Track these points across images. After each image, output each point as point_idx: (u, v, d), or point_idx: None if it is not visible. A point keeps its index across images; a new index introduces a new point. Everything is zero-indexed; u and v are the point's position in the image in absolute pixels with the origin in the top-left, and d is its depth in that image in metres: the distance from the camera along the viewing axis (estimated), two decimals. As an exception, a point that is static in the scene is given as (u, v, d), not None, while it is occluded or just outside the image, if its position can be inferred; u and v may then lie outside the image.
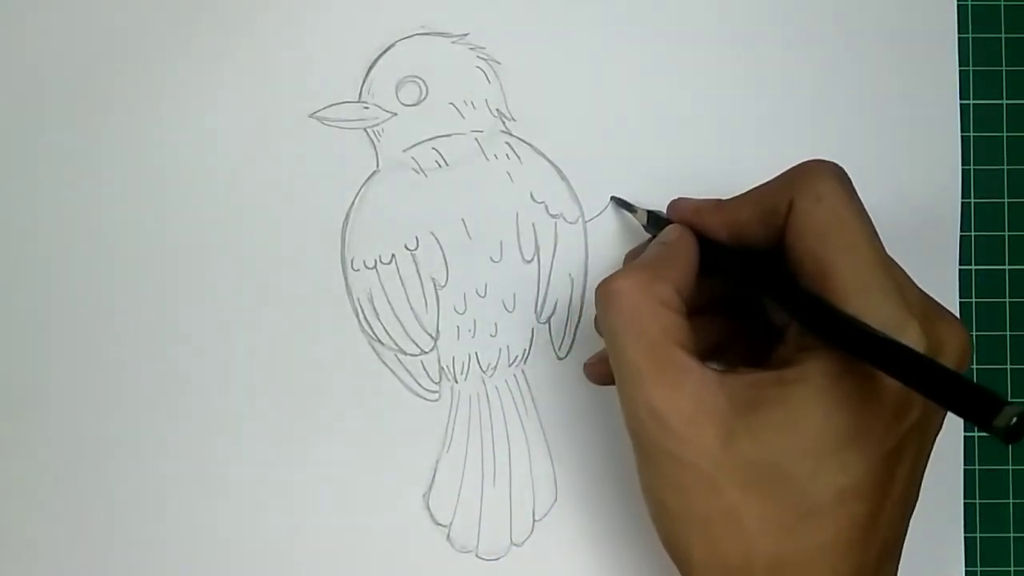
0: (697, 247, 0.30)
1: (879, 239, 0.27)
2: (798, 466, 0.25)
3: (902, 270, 0.27)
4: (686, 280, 0.28)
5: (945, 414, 0.26)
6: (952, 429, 0.36)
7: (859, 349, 0.24)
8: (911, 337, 0.25)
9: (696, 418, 0.25)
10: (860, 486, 0.25)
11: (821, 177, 0.27)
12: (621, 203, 0.36)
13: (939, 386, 0.22)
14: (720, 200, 0.30)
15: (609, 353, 0.27)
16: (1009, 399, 0.37)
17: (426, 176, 0.37)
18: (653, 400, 0.25)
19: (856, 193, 0.27)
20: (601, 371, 0.32)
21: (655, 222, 0.34)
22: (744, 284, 0.30)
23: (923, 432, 0.26)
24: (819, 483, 0.24)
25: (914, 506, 0.27)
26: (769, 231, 0.28)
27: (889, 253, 0.27)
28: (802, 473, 0.24)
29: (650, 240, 0.32)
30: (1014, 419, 0.20)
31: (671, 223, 0.31)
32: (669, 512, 0.26)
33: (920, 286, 0.27)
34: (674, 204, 0.32)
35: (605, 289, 0.27)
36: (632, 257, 0.34)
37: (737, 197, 0.30)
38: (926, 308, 0.26)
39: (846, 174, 0.28)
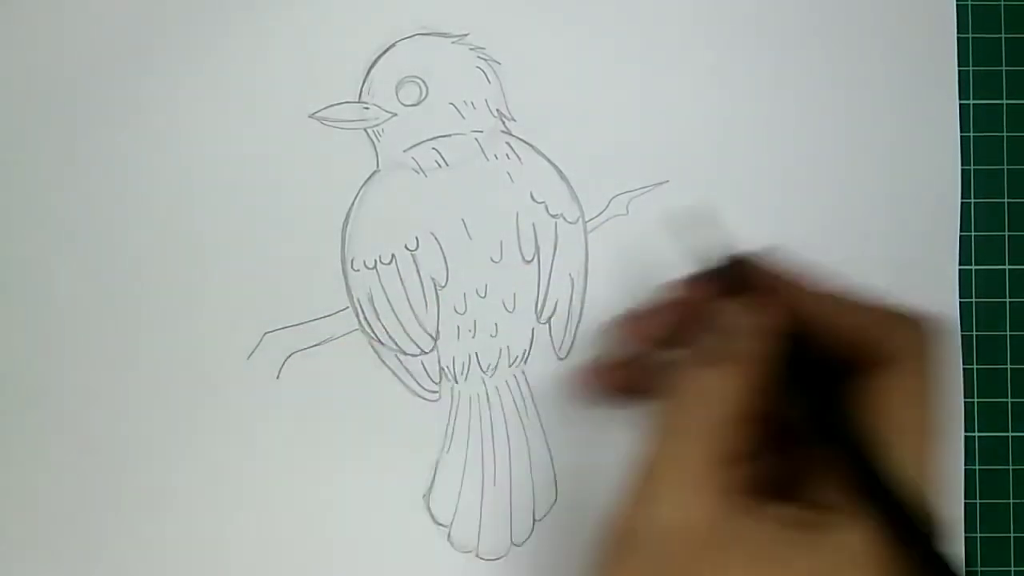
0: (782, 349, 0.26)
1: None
2: None
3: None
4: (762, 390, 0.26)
5: None
6: (952, 429, 0.37)
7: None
8: None
9: (719, 545, 0.24)
10: None
11: (928, 351, 0.25)
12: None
13: None
14: (830, 296, 0.26)
15: (653, 435, 0.25)
16: (1009, 399, 0.37)
17: (426, 176, 0.37)
18: (681, 515, 0.24)
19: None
20: (612, 380, 0.30)
21: (728, 273, 0.27)
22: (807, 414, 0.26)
23: None
24: None
25: None
26: (846, 357, 0.26)
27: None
28: None
29: (705, 282, 0.28)
30: None
31: (753, 284, 0.27)
32: None
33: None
34: (776, 278, 0.27)
35: (698, 380, 0.25)
36: (640, 317, 0.29)
37: (844, 304, 0.26)
38: None
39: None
